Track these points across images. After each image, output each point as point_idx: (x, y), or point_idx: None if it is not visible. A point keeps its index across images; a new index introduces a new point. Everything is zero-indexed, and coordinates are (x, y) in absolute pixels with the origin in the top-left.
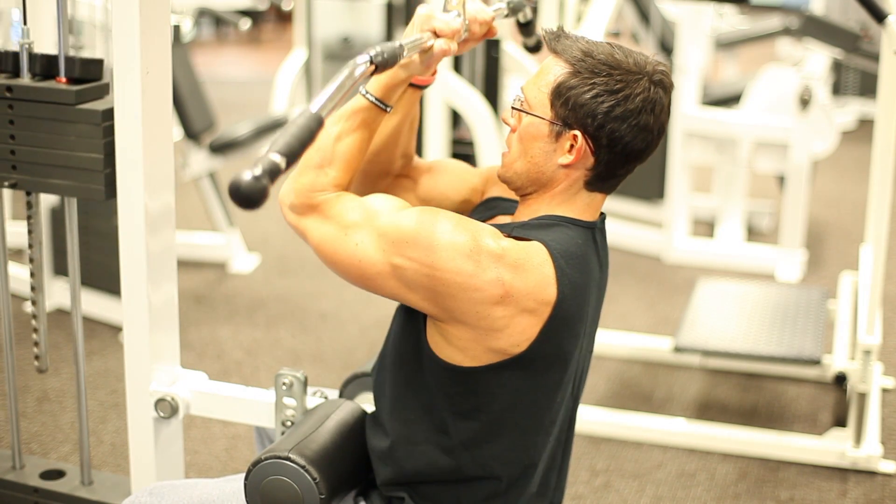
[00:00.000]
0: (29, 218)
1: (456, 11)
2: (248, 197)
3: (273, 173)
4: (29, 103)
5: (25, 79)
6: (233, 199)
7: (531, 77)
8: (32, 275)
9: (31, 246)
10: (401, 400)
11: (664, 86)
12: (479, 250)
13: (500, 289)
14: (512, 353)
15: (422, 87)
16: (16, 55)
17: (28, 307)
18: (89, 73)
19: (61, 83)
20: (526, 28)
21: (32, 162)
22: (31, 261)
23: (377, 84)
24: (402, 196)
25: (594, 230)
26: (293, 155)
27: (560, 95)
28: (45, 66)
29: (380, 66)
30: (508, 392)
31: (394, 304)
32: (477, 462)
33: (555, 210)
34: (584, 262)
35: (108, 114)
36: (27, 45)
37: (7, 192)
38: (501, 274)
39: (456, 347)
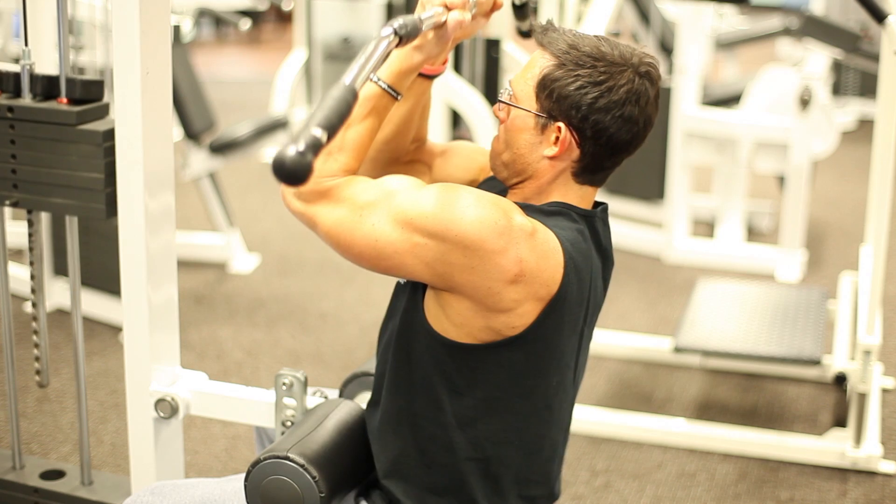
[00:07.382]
0: (30, 235)
1: None
2: (293, 173)
3: (315, 147)
4: (30, 123)
5: (27, 99)
6: (277, 175)
7: (519, 70)
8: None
9: (31, 263)
10: (398, 375)
11: (650, 78)
12: (510, 225)
13: (517, 267)
14: (507, 334)
15: (432, 77)
16: (17, 76)
17: (28, 307)
18: (90, 94)
19: (62, 104)
20: (520, 11)
21: (34, 181)
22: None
23: (389, 71)
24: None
25: (594, 218)
26: (332, 128)
27: (545, 87)
28: (47, 86)
29: (403, 38)
30: (503, 371)
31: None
32: (469, 441)
33: (550, 199)
34: (586, 249)
35: (109, 134)
36: (28, 66)
37: None
38: (522, 252)
39: (453, 323)
